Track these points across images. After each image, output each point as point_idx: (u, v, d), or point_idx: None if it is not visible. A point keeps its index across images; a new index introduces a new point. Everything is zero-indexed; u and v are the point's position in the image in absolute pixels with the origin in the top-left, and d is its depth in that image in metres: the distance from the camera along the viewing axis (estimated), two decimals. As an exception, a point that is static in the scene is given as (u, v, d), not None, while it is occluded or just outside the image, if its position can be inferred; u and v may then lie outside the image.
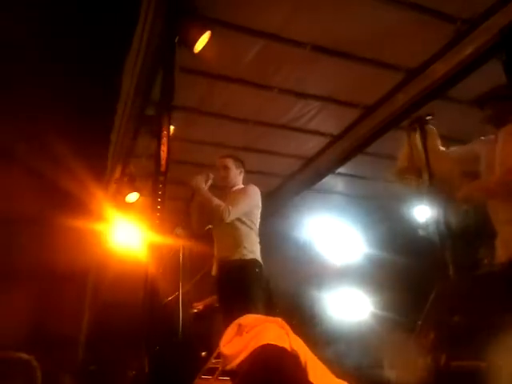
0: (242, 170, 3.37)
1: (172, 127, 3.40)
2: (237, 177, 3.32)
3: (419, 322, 1.82)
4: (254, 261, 3.03)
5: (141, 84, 3.80)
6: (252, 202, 3.16)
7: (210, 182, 3.24)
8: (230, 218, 2.99)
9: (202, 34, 3.11)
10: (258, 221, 3.17)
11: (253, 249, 3.07)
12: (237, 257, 3.00)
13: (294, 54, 3.61)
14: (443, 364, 1.04)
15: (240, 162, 3.39)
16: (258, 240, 3.17)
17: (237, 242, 3.03)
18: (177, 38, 3.09)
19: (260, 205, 3.20)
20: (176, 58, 3.19)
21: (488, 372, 0.97)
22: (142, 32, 3.37)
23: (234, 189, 3.31)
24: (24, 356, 2.92)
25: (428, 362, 1.07)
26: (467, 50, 3.46)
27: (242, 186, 3.35)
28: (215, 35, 3.18)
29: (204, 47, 3.19)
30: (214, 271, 3.14)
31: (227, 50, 3.49)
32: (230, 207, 2.99)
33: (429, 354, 1.10)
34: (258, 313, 2.37)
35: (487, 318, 1.04)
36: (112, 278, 5.30)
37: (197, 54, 3.21)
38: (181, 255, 3.35)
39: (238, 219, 3.08)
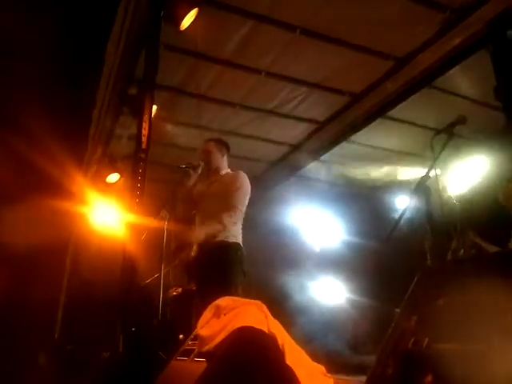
0: (225, 152, 3.31)
1: (155, 107, 3.33)
2: (219, 160, 3.26)
3: (397, 309, 1.83)
4: (237, 244, 3.01)
5: (124, 60, 3.70)
6: (246, 194, 3.13)
7: (199, 170, 3.22)
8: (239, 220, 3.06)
9: (189, 11, 3.03)
10: (244, 208, 3.14)
11: (236, 233, 3.05)
12: (219, 239, 2.97)
13: (282, 37, 3.56)
14: (425, 347, 1.04)
15: (223, 145, 3.32)
16: (241, 226, 3.15)
17: (221, 225, 3.00)
18: (162, 13, 3.00)
19: (249, 192, 3.17)
20: (161, 35, 3.11)
21: (471, 355, 0.97)
22: (127, 6, 3.26)
23: (223, 173, 3.26)
24: None
25: (409, 345, 1.07)
26: (455, 40, 3.46)
27: (229, 170, 3.30)
28: (203, 13, 3.10)
29: (190, 25, 3.11)
30: (193, 252, 3.10)
31: (215, 30, 3.42)
32: (233, 214, 3.01)
33: (411, 337, 1.09)
34: (236, 295, 2.35)
35: (470, 301, 1.04)
36: (91, 259, 5.23)
37: (183, 31, 3.13)
38: (164, 238, 3.30)
39: (225, 206, 3.05)
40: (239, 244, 3.04)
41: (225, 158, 3.30)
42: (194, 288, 3.18)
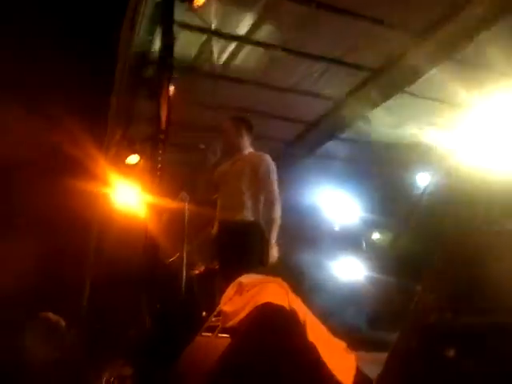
0: (245, 130, 3.27)
1: (171, 87, 3.33)
2: (237, 138, 3.24)
3: (418, 285, 1.82)
4: (256, 223, 3.03)
5: (139, 43, 3.68)
6: (273, 176, 3.11)
7: (218, 151, 3.22)
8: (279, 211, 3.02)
9: (203, -11, 2.98)
10: (274, 189, 3.13)
11: (258, 212, 3.05)
12: (240, 217, 3.00)
13: (298, 12, 3.48)
14: (449, 321, 1.04)
15: (241, 123, 3.29)
16: (261, 204, 3.15)
17: (243, 204, 3.02)
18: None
19: (275, 174, 3.16)
20: (175, 14, 3.08)
21: (496, 329, 0.97)
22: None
23: (245, 152, 3.24)
24: (52, 316, 3.01)
25: (433, 319, 1.07)
26: (478, 9, 3.33)
27: (252, 149, 3.28)
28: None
29: (205, 2, 3.08)
30: (214, 230, 3.14)
31: (229, 6, 3.37)
32: (276, 216, 2.98)
33: (434, 311, 1.09)
34: (256, 273, 2.39)
35: (498, 275, 1.03)
36: (115, 238, 5.35)
37: (197, 9, 3.10)
38: (186, 218, 3.34)
39: (249, 185, 3.06)
40: (259, 222, 3.05)
41: (244, 136, 3.26)
42: (217, 266, 3.23)
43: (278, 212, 3.02)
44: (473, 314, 1.09)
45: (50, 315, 3.15)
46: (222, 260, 3.08)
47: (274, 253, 2.92)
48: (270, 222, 2.98)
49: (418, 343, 1.08)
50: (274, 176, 3.09)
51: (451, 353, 0.97)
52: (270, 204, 3.03)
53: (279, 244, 3.01)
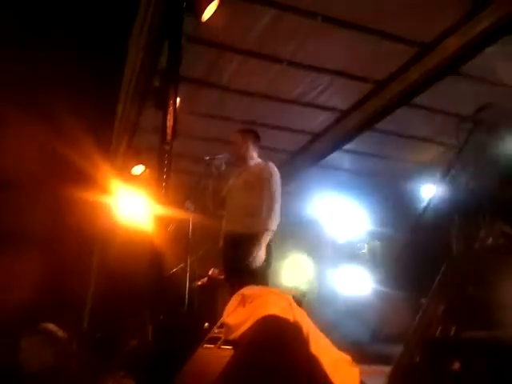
0: (252, 142, 3.33)
1: (178, 99, 3.36)
2: (245, 150, 3.30)
3: (422, 299, 1.81)
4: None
5: (147, 54, 3.73)
6: (276, 184, 3.11)
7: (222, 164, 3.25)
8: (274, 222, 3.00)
9: (210, 2, 3.02)
10: (276, 198, 3.12)
11: (274, 226, 3.04)
12: (243, 230, 3.00)
13: (304, 25, 3.52)
14: (453, 335, 1.03)
15: (249, 135, 3.36)
16: (274, 216, 3.13)
17: (249, 217, 3.01)
18: (184, 4, 3.01)
19: (279, 183, 3.16)
20: (183, 27, 3.12)
21: (499, 343, 0.96)
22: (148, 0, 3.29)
23: (251, 163, 3.28)
24: (51, 327, 3.01)
25: (437, 333, 1.07)
26: (483, 24, 3.34)
27: (259, 160, 3.32)
28: (224, 3, 3.09)
29: (212, 16, 3.11)
30: (220, 243, 3.15)
31: (236, 20, 3.41)
32: (270, 224, 2.96)
33: (438, 325, 1.09)
34: (261, 284, 2.38)
35: (501, 290, 1.02)
36: (119, 248, 5.35)
37: (205, 22, 3.14)
38: (190, 228, 3.35)
39: (255, 196, 3.06)
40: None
41: (251, 147, 3.32)
42: (223, 277, 3.22)
43: (272, 223, 2.97)
44: (476, 327, 1.08)
45: (49, 325, 3.14)
46: (228, 272, 3.07)
47: (262, 255, 2.90)
48: (263, 231, 2.96)
49: (421, 357, 1.07)
50: (275, 185, 3.08)
51: (455, 366, 0.96)
52: (268, 211, 3.01)
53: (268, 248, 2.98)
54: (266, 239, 2.93)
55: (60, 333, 3.16)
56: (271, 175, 3.09)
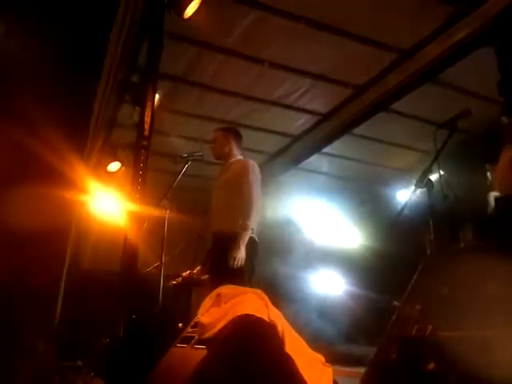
0: (233, 140, 3.34)
1: (157, 96, 3.32)
2: (225, 147, 3.30)
3: (395, 302, 1.83)
4: (251, 237, 2.99)
5: (126, 49, 3.67)
6: (256, 184, 3.09)
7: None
8: (253, 224, 2.97)
9: (192, 0, 2.99)
10: (256, 197, 3.09)
11: (254, 225, 3.01)
12: (229, 230, 2.97)
13: (287, 28, 3.53)
14: (429, 334, 1.04)
15: (230, 133, 3.37)
16: (257, 216, 3.12)
17: (231, 215, 2.99)
18: (165, 0, 2.97)
19: (259, 181, 3.15)
20: (164, 24, 3.09)
21: (475, 342, 0.98)
22: (130, -7, 3.23)
23: (233, 160, 3.29)
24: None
25: (413, 332, 1.07)
26: (461, 33, 3.43)
27: (240, 157, 3.32)
28: (206, 2, 3.07)
29: (194, 14, 3.08)
30: (208, 245, 3.13)
31: (218, 19, 3.39)
32: (248, 223, 2.92)
33: (414, 324, 1.10)
34: (241, 284, 2.36)
35: (475, 289, 1.04)
36: (91, 247, 5.24)
37: (186, 20, 3.10)
38: (165, 227, 3.31)
39: (235, 196, 3.04)
40: (252, 236, 3.01)
41: (233, 145, 3.32)
42: (196, 276, 3.20)
43: (250, 221, 2.94)
44: (448, 328, 1.09)
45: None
46: (213, 273, 3.04)
47: (240, 254, 2.87)
48: (243, 227, 2.93)
49: (397, 356, 1.08)
50: (253, 182, 3.07)
51: (430, 366, 0.97)
52: (245, 209, 2.99)
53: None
54: (244, 238, 2.90)
55: None
56: (248, 172, 3.08)
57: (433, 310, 1.14)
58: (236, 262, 2.82)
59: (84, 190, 4.73)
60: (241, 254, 2.85)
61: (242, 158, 3.35)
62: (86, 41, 4.54)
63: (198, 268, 3.38)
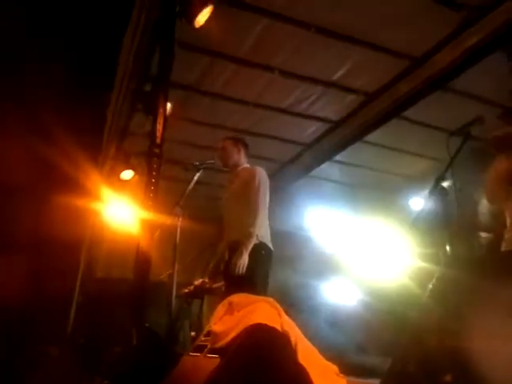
0: (242, 149, 3.37)
1: (169, 104, 3.35)
2: (234, 155, 3.34)
3: (411, 312, 1.80)
4: (259, 244, 2.97)
5: (139, 58, 3.71)
6: (265, 191, 3.09)
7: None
8: (258, 230, 2.96)
9: (203, 9, 3.02)
10: (265, 204, 3.11)
11: (259, 232, 3.00)
12: (235, 238, 2.98)
13: (297, 35, 3.54)
14: (447, 346, 1.02)
15: (239, 142, 3.40)
16: (266, 223, 3.12)
17: (244, 225, 2.99)
18: (177, 8, 3.01)
19: (268, 188, 3.16)
20: (176, 33, 3.12)
21: (496, 353, 0.95)
22: (142, 3, 3.28)
23: (240, 168, 3.32)
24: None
25: (432, 343, 1.05)
26: (472, 39, 3.40)
27: (247, 165, 3.35)
28: (217, 11, 3.09)
29: (205, 23, 3.11)
30: (226, 256, 3.12)
31: (229, 28, 3.41)
32: (251, 230, 2.92)
33: (433, 335, 1.08)
34: (250, 292, 2.34)
35: (495, 299, 1.02)
36: (105, 254, 5.27)
37: (197, 29, 3.14)
38: (178, 235, 3.32)
39: (245, 204, 3.05)
40: (263, 243, 3.00)
41: (242, 154, 3.37)
42: (208, 285, 3.19)
43: (254, 228, 2.93)
44: (468, 339, 1.07)
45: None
46: (228, 283, 3.02)
47: (243, 262, 2.85)
48: (246, 234, 2.93)
49: (415, 366, 1.06)
50: (259, 188, 3.06)
51: (447, 378, 0.95)
52: (250, 216, 2.98)
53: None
54: (247, 245, 2.89)
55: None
56: (254, 178, 3.09)
57: (452, 320, 1.12)
58: (237, 269, 2.81)
59: (98, 199, 4.79)
60: (243, 261, 2.84)
61: (248, 166, 3.37)
62: (99, 52, 4.61)
63: (205, 280, 3.34)
